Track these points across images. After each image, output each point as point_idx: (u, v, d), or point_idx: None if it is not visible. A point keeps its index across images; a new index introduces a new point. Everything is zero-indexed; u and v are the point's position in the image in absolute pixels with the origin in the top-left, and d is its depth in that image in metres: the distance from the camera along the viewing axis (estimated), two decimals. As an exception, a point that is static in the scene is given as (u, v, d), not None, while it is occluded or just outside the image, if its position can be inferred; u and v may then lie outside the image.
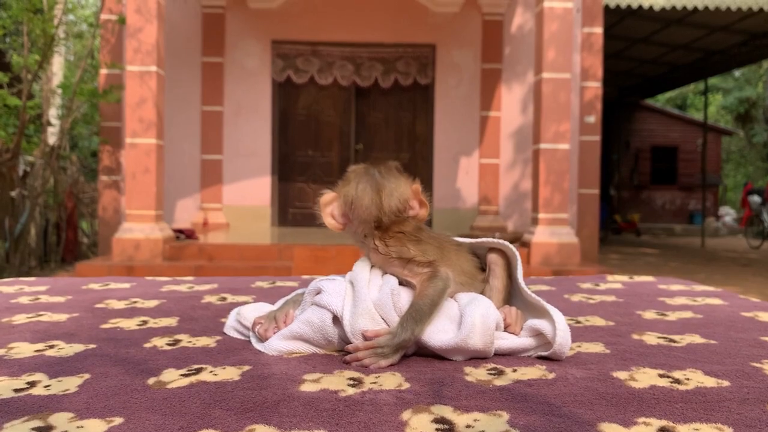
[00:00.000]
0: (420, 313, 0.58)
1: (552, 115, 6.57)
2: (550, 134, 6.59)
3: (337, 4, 8.90)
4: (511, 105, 9.13)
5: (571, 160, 7.97)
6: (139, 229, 6.57)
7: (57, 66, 10.35)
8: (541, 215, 6.60)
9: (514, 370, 0.52)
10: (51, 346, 0.61)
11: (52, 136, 8.55)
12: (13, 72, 7.17)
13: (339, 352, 0.60)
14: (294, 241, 7.24)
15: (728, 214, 15.70)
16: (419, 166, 9.48)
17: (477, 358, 0.57)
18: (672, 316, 0.75)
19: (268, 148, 9.30)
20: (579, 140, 8.60)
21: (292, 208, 9.53)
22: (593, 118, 8.47)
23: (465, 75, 9.19)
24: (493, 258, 0.66)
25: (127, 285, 0.98)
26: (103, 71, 8.09)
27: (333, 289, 0.61)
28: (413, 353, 0.59)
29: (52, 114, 8.84)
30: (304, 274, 6.35)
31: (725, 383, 0.50)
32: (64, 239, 8.31)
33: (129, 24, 6.50)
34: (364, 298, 0.58)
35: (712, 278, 7.22)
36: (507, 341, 0.60)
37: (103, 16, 7.89)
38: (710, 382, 0.50)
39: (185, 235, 7.47)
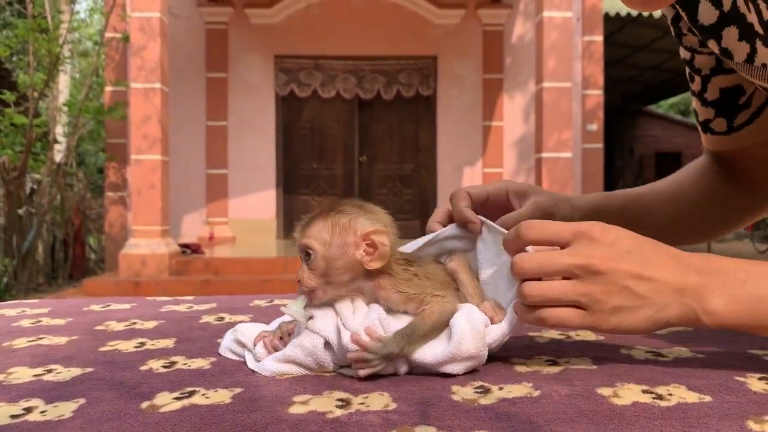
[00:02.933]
0: (416, 332, 0.58)
1: (553, 124, 6.58)
2: (552, 143, 6.60)
3: (339, 18, 8.97)
4: (513, 114, 9.17)
5: (574, 169, 7.99)
6: (145, 245, 6.61)
7: (63, 84, 10.44)
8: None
9: (501, 388, 0.53)
10: (49, 371, 0.62)
11: (58, 153, 8.63)
12: (20, 91, 7.25)
13: (330, 372, 0.61)
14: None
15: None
16: (423, 176, 9.50)
17: (469, 371, 0.58)
18: (662, 330, 0.76)
19: (273, 161, 9.35)
20: (581, 148, 8.61)
21: (297, 221, 9.51)
22: (595, 126, 8.49)
23: (467, 85, 9.23)
24: (453, 266, 0.66)
25: (127, 306, 0.99)
26: (108, 88, 8.18)
27: (323, 315, 0.62)
28: (406, 372, 0.61)
29: (59, 131, 8.91)
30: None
31: (707, 398, 0.51)
32: (72, 256, 8.36)
33: (133, 42, 6.57)
34: (351, 324, 0.60)
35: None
36: (494, 333, 0.62)
37: (108, 35, 7.98)
38: (692, 397, 0.51)
39: (191, 249, 7.51)
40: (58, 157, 8.35)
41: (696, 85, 0.90)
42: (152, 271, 6.59)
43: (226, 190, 9.22)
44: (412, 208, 9.49)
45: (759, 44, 0.72)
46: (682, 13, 0.81)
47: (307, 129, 9.57)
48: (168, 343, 0.75)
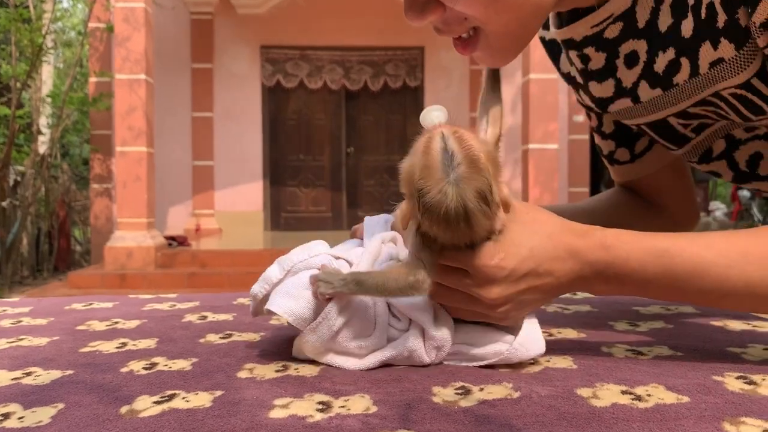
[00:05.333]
0: (366, 281, 0.60)
1: (540, 116, 6.60)
2: (539, 134, 6.62)
3: (325, 8, 8.92)
4: (500, 105, 9.17)
5: (561, 160, 8.02)
6: (131, 238, 6.58)
7: (46, 74, 10.33)
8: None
9: (481, 389, 0.53)
10: (28, 374, 0.62)
11: (42, 144, 8.55)
12: (2, 81, 7.17)
13: (312, 363, 0.62)
14: (286, 246, 7.25)
15: (719, 209, 15.79)
16: (410, 168, 9.49)
17: (448, 377, 0.58)
18: (643, 327, 0.77)
19: (259, 152, 9.31)
20: (568, 139, 8.65)
21: (284, 213, 9.54)
22: (582, 117, 8.52)
23: (454, 77, 9.23)
24: None
25: (110, 304, 0.99)
26: (93, 79, 8.09)
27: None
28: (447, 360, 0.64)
29: (42, 123, 8.82)
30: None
31: (685, 399, 0.51)
32: (57, 248, 8.30)
33: (117, 33, 6.51)
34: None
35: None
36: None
37: (91, 25, 7.89)
38: (670, 398, 0.51)
39: (177, 242, 7.48)
40: (42, 149, 8.27)
41: (593, 122, 0.96)
42: (138, 264, 6.56)
43: (213, 182, 9.18)
44: (400, 199, 9.43)
45: (591, 86, 0.81)
46: (551, 60, 0.90)
47: (293, 120, 9.54)
48: (150, 343, 0.74)
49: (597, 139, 0.99)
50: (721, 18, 0.63)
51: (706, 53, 0.66)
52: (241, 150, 9.21)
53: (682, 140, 0.82)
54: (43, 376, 0.62)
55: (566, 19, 0.79)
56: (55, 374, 0.62)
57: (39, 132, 8.46)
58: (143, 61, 6.52)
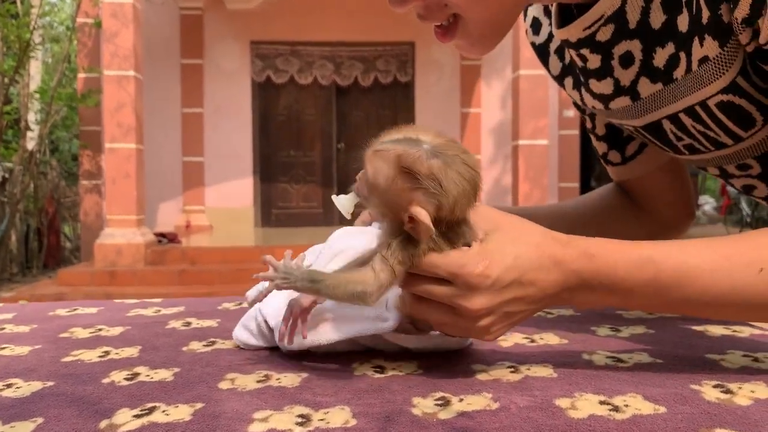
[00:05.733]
0: (321, 281, 0.59)
1: (530, 111, 6.61)
2: (529, 130, 6.64)
3: (315, 3, 8.89)
4: (491, 101, 9.19)
5: (551, 155, 8.04)
6: (120, 235, 6.55)
7: (34, 69, 10.24)
8: (529, 206, 6.65)
9: (461, 399, 0.53)
10: (8, 385, 0.61)
11: (31, 140, 8.48)
12: (-11, 78, 7.10)
13: (294, 373, 0.62)
14: (277, 243, 7.25)
15: (708, 203, 15.89)
16: (401, 163, 9.50)
17: (425, 385, 0.58)
18: (625, 332, 0.77)
19: (250, 148, 9.29)
20: (558, 135, 8.67)
21: (275, 209, 9.53)
22: (572, 113, 8.54)
23: (445, 72, 9.23)
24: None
25: (94, 310, 0.98)
26: (81, 75, 8.04)
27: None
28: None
29: (31, 118, 8.75)
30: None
31: (662, 409, 0.52)
32: (46, 245, 8.26)
33: (105, 28, 6.47)
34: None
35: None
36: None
37: (80, 20, 7.83)
38: (647, 408, 0.52)
39: (167, 239, 7.45)
40: (31, 145, 8.22)
41: (588, 123, 0.99)
42: (128, 260, 6.54)
43: (203, 178, 9.15)
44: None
45: (591, 83, 0.81)
46: (542, 64, 0.93)
47: (284, 116, 9.51)
48: (132, 351, 0.74)
49: (593, 140, 1.00)
50: (705, 14, 0.63)
51: (696, 49, 0.67)
52: (231, 146, 9.18)
53: (678, 150, 0.82)
54: (24, 387, 0.61)
55: (560, 20, 0.79)
56: (36, 386, 0.62)
57: (27, 128, 8.40)
58: (132, 57, 6.49)
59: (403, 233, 0.58)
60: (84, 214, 8.30)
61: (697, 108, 0.71)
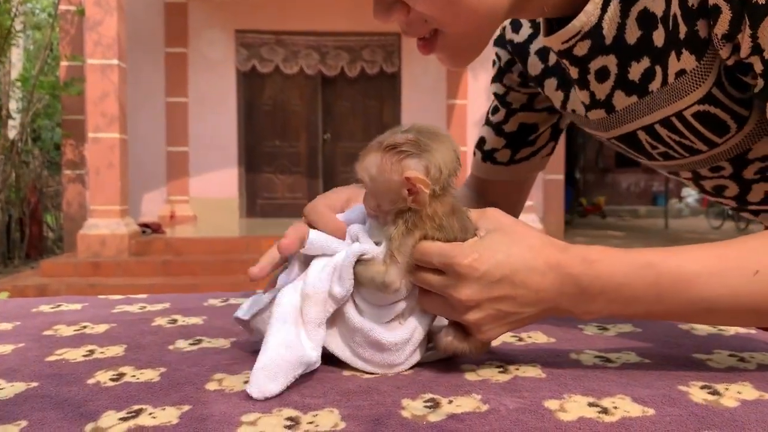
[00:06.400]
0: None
1: (517, 104, 6.62)
2: (516, 122, 6.65)
3: (301, -8, 8.83)
4: (477, 93, 9.19)
5: (537, 147, 8.04)
6: (104, 225, 6.50)
7: (16, 57, 10.10)
8: None
9: (450, 402, 0.53)
10: (-9, 387, 0.60)
11: (12, 129, 8.37)
12: (-31, 65, 7.01)
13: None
14: (262, 233, 7.23)
15: (690, 195, 16.04)
16: (387, 154, 9.49)
17: (416, 386, 0.58)
18: (612, 330, 0.78)
19: (234, 138, 9.24)
20: (545, 127, 8.69)
21: (260, 200, 9.49)
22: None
23: (431, 63, 9.20)
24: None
25: (78, 306, 0.97)
26: (64, 63, 7.94)
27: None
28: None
29: (12, 107, 8.64)
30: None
31: (650, 412, 0.52)
32: (28, 235, 8.17)
33: (88, 16, 6.39)
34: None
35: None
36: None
37: (62, 7, 7.72)
38: (636, 410, 0.52)
39: (151, 229, 7.41)
40: (12, 134, 8.11)
41: (498, 117, 1.03)
42: (112, 251, 6.49)
43: (187, 168, 9.09)
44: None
45: (575, 90, 0.83)
46: (519, 62, 0.96)
47: (269, 106, 9.47)
48: (118, 350, 0.73)
49: (486, 132, 1.05)
50: (683, 29, 0.66)
51: (673, 63, 0.69)
52: (216, 136, 9.12)
53: (651, 157, 0.83)
54: (7, 389, 0.60)
55: (546, 29, 0.81)
56: (20, 387, 0.61)
57: (9, 116, 8.30)
58: (115, 46, 6.41)
59: (403, 220, 0.62)
60: (67, 204, 8.22)
61: (673, 119, 0.73)
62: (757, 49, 0.60)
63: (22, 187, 8.13)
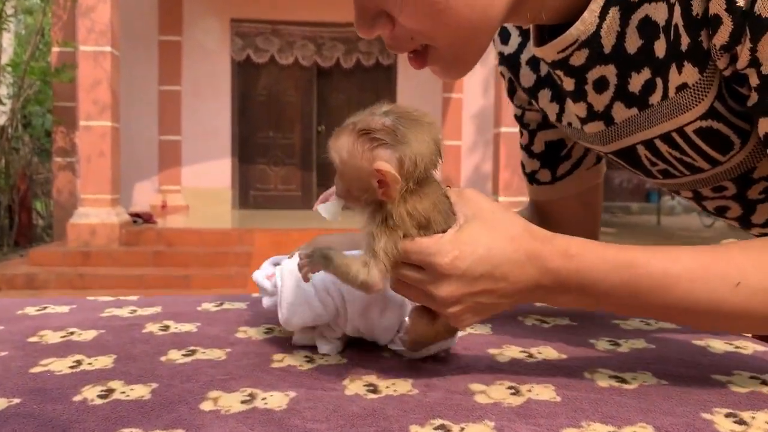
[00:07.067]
0: (334, 261, 0.59)
1: (513, 99, 6.59)
2: (511, 117, 6.61)
3: (298, -18, 8.75)
4: (473, 86, 9.15)
5: (532, 143, 8.02)
6: (94, 214, 6.44)
7: (6, 42, 9.97)
8: (501, 198, 6.66)
9: (462, 429, 0.50)
10: (-29, 402, 0.57)
11: (2, 115, 8.25)
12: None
13: (281, 392, 0.58)
14: (255, 225, 7.18)
15: (684, 194, 16.03)
16: (381, 147, 9.45)
17: (425, 411, 0.55)
18: (625, 346, 0.75)
19: (228, 128, 9.17)
20: (540, 122, 8.67)
21: (253, 191, 9.43)
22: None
23: (427, 56, 9.15)
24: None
25: (66, 308, 0.93)
26: (55, 49, 7.83)
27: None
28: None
29: (3, 93, 8.53)
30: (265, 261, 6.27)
31: (675, 445, 0.48)
32: (17, 222, 8.09)
33: (81, 2, 6.31)
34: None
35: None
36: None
37: (54, -8, 7.61)
38: (660, 443, 0.49)
39: (143, 219, 7.35)
40: (2, 120, 8.00)
41: (524, 139, 0.99)
42: (102, 241, 6.43)
43: (180, 158, 9.02)
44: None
45: (568, 103, 0.79)
46: (511, 75, 0.92)
47: (263, 96, 9.40)
48: (107, 361, 0.70)
49: (523, 157, 1.01)
50: (685, 41, 0.62)
51: (674, 76, 0.65)
52: (209, 125, 9.05)
53: (651, 174, 0.80)
54: (-13, 406, 0.57)
55: (537, 38, 0.77)
56: (0, 404, 0.57)
57: (-1, 102, 8.19)
58: (109, 33, 6.33)
59: (382, 218, 0.58)
60: (57, 191, 8.13)
61: (674, 134, 0.70)
62: (754, 63, 0.58)
63: (11, 173, 8.03)
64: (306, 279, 0.62)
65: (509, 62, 0.91)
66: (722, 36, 0.58)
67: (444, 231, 0.59)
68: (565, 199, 0.98)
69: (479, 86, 9.12)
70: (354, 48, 9.25)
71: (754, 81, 0.59)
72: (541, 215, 1.02)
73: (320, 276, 0.67)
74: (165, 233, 6.81)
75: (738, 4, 0.56)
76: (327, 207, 0.63)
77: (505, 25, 0.90)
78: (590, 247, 0.60)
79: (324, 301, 0.70)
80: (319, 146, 9.41)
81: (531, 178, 1.00)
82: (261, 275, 0.76)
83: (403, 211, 0.58)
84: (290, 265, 0.72)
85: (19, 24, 11.84)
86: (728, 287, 0.58)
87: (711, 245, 0.62)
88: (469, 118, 9.19)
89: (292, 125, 9.44)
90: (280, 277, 0.73)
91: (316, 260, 0.60)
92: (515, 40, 0.89)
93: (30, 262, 6.29)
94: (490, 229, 0.59)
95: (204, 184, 9.08)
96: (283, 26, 9.14)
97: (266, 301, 0.75)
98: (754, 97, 0.60)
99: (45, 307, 0.95)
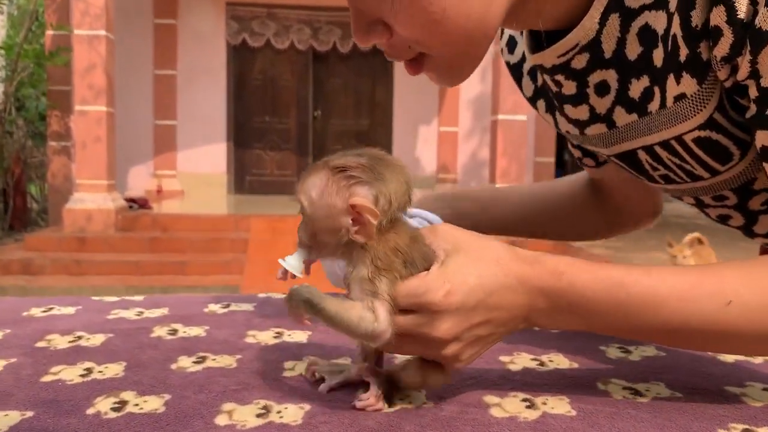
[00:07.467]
0: (323, 307, 0.54)
1: (511, 85, 6.55)
2: (509, 105, 6.60)
3: (294, -35, 8.67)
4: (470, 72, 9.10)
5: (528, 129, 8.02)
6: (90, 200, 6.41)
7: (-1, 24, 9.87)
8: (498, 186, 6.65)
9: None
10: (-17, 417, 0.56)
11: (-5, 98, 8.19)
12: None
13: (296, 405, 0.58)
14: (251, 211, 7.16)
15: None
16: (378, 133, 9.42)
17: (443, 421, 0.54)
18: (635, 354, 0.75)
19: (224, 113, 9.12)
20: (537, 109, 8.65)
21: (249, 176, 9.40)
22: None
23: (424, 41, 9.11)
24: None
25: (72, 310, 0.93)
26: (49, 32, 7.76)
27: None
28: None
29: (-4, 75, 8.46)
30: (262, 247, 6.27)
31: (695, 464, 0.48)
32: (12, 207, 8.05)
33: (75, -15, 6.22)
34: None
35: (662, 246, 7.41)
36: None
37: (48, -26, 7.53)
38: (680, 462, 0.48)
39: (138, 204, 7.32)
40: (-4, 103, 7.95)
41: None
42: (98, 226, 6.41)
43: (175, 143, 8.97)
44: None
45: (567, 109, 0.79)
46: (516, 83, 0.91)
47: (259, 80, 9.34)
48: (117, 369, 0.69)
49: (569, 145, 0.99)
50: (683, 52, 0.62)
51: (671, 86, 0.65)
52: (204, 110, 9.00)
53: (653, 179, 0.80)
54: (1, 419, 0.56)
55: (534, 45, 0.77)
56: (14, 417, 0.57)
57: (-8, 85, 8.13)
58: (104, 17, 6.26)
59: (370, 259, 0.56)
60: (52, 176, 8.10)
61: (673, 142, 0.69)
62: (754, 75, 0.57)
63: (5, 157, 7.98)
64: (303, 323, 0.57)
65: (513, 72, 0.91)
66: (723, 48, 0.58)
67: (426, 269, 0.57)
68: (616, 174, 0.97)
69: (477, 72, 9.04)
70: (350, 32, 9.16)
71: (753, 93, 0.59)
72: (597, 186, 1.03)
73: None
74: (161, 219, 6.79)
75: (739, 17, 0.56)
76: (289, 261, 0.60)
77: (512, 34, 0.90)
78: (579, 265, 0.59)
79: None
80: (315, 131, 9.37)
81: (580, 163, 1.00)
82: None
83: (387, 250, 0.56)
84: None
85: (11, 5, 11.72)
86: (719, 306, 0.57)
87: (703, 265, 0.61)
88: (465, 104, 9.16)
89: (288, 110, 9.39)
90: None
91: (296, 305, 0.55)
92: (520, 49, 0.89)
93: (26, 248, 6.28)
94: (475, 259, 0.58)
95: (199, 168, 9.04)
96: (279, 10, 9.07)
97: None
98: (752, 109, 0.60)
99: (51, 308, 0.95)
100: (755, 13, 0.55)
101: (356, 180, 0.55)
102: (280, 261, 0.59)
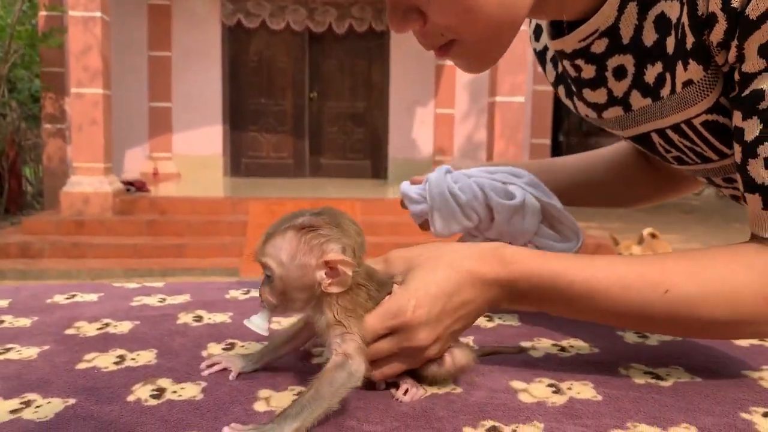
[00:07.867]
0: (302, 407, 0.53)
1: (508, 67, 6.55)
2: (506, 87, 6.59)
3: (290, -55, 8.57)
4: (466, 54, 9.06)
5: (525, 110, 8.02)
6: (87, 183, 6.39)
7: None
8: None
9: (513, 431, 0.51)
10: (26, 403, 0.57)
11: (-12, 80, 8.09)
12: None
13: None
14: (248, 194, 7.16)
15: (674, 162, 16.10)
16: (375, 115, 9.39)
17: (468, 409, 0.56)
18: (653, 338, 0.77)
19: (219, 95, 9.07)
20: (533, 90, 8.63)
21: (245, 158, 9.38)
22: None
23: (421, 22, 9.04)
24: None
25: (95, 297, 0.94)
26: (43, 13, 7.68)
27: None
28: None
29: (-12, 57, 8.36)
30: (260, 230, 6.26)
31: (722, 446, 0.50)
32: (7, 189, 8.02)
33: (69, -35, 6.15)
34: None
35: (658, 227, 7.45)
36: None
37: (40, -46, 7.44)
38: (706, 444, 0.50)
39: (135, 187, 7.30)
40: (-11, 85, 7.87)
41: None
42: (96, 210, 6.40)
43: (170, 125, 8.93)
44: (363, 148, 9.41)
45: (586, 93, 0.83)
46: (542, 69, 0.96)
47: (255, 62, 9.28)
48: (149, 357, 0.71)
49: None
50: (690, 39, 0.65)
51: (680, 72, 0.68)
52: (200, 92, 8.95)
53: (667, 160, 0.83)
54: (44, 407, 0.58)
55: (555, 32, 0.81)
56: (56, 404, 0.58)
57: (-15, 67, 8.04)
58: (98, -2, 6.20)
59: (340, 305, 0.60)
60: (47, 158, 8.06)
61: (683, 126, 0.73)
62: (740, 59, 0.61)
63: (0, 140, 7.93)
64: None
65: (539, 58, 0.95)
66: (717, 33, 0.62)
67: (389, 293, 0.62)
68: None
69: (473, 53, 9.05)
70: (346, 13, 9.12)
71: (736, 76, 0.63)
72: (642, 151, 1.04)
73: (466, 195, 0.84)
74: (158, 202, 6.78)
75: (732, 5, 0.59)
76: (254, 321, 0.62)
77: (539, 22, 0.92)
78: (528, 255, 0.65)
79: (469, 216, 0.85)
80: (311, 113, 9.34)
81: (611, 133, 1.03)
82: (407, 185, 0.91)
83: (351, 288, 0.60)
84: (436, 178, 0.87)
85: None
86: (658, 294, 0.62)
87: (644, 255, 0.67)
88: (462, 85, 9.13)
89: (284, 92, 9.34)
90: (428, 189, 0.87)
91: None
92: (545, 38, 0.92)
93: (23, 231, 6.26)
94: (430, 270, 0.62)
95: (195, 151, 9.01)
96: (275, -10, 8.99)
97: (413, 208, 0.89)
98: (734, 91, 0.64)
99: (74, 295, 0.96)
100: (748, 2, 0.58)
101: (327, 238, 0.59)
102: (246, 322, 0.62)
